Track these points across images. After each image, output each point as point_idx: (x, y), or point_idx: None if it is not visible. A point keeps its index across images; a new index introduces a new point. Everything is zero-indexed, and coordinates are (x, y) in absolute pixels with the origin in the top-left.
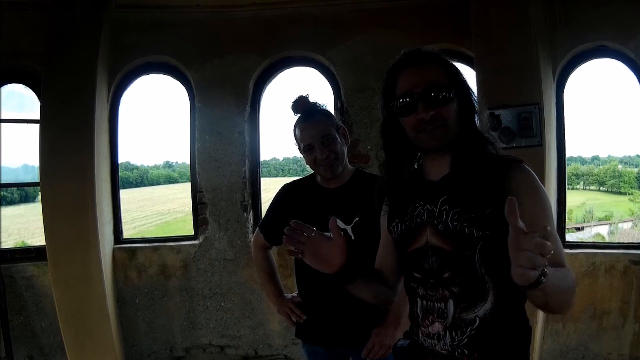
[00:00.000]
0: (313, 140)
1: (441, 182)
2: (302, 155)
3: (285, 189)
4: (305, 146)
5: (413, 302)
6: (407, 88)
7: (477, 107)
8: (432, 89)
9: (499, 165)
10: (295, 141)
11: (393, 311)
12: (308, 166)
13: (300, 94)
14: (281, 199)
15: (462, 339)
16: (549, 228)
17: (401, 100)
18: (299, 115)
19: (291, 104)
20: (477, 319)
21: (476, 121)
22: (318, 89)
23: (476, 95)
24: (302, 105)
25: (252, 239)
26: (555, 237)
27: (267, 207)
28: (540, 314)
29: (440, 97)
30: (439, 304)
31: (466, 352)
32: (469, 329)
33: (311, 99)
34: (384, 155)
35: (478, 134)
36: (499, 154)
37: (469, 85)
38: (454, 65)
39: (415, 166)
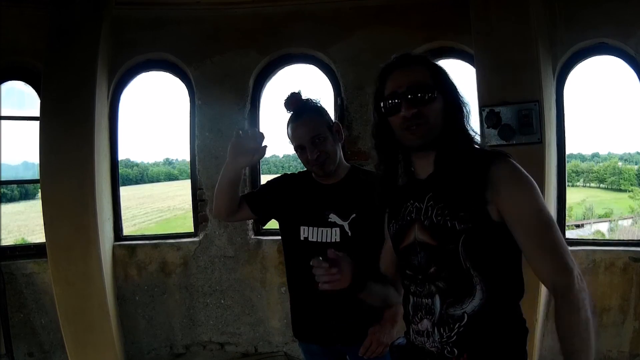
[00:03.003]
0: (303, 140)
1: (428, 180)
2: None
3: (286, 178)
4: (296, 146)
5: (406, 299)
6: (393, 89)
7: (463, 106)
8: (415, 89)
9: (482, 159)
10: (288, 139)
11: (390, 309)
12: None
13: (292, 91)
14: (279, 184)
15: (450, 335)
16: None
17: (389, 101)
18: (291, 112)
19: (283, 101)
20: (465, 315)
21: (464, 120)
22: (318, 86)
23: (463, 94)
24: (293, 103)
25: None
26: (551, 225)
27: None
28: (541, 312)
29: (426, 97)
30: (426, 300)
31: (455, 351)
32: (457, 326)
33: (304, 95)
34: (375, 156)
35: (462, 132)
36: (484, 150)
37: (456, 85)
38: (440, 67)
39: (412, 168)
